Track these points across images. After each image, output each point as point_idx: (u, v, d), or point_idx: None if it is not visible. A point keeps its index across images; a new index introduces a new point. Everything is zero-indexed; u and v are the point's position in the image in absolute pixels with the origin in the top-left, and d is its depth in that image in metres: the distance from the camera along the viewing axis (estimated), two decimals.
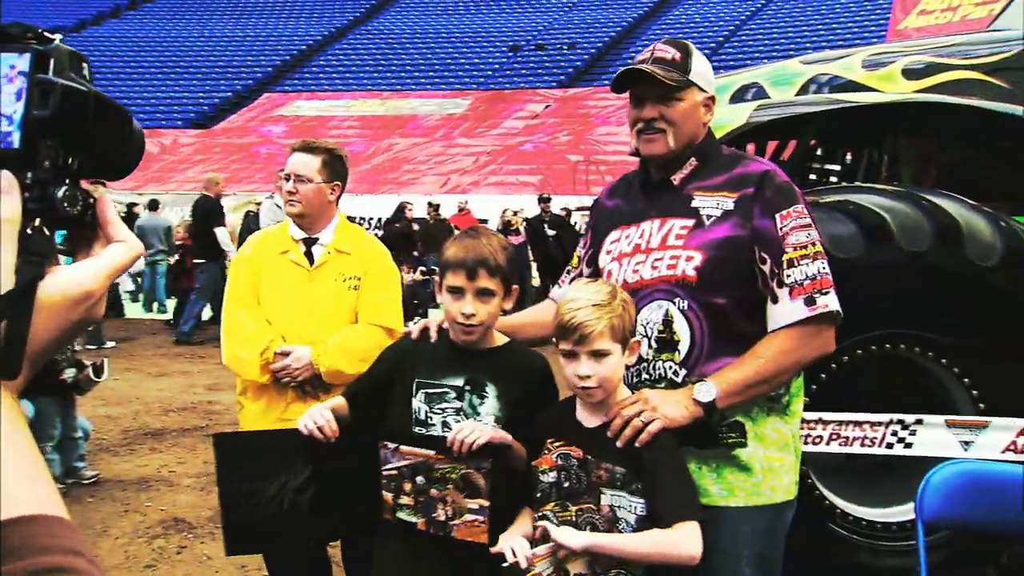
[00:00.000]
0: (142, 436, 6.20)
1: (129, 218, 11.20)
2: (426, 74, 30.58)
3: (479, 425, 2.08)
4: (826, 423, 3.16)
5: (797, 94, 4.47)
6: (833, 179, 4.68)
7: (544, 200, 12.64)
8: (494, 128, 25.81)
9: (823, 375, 3.16)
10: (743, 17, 31.42)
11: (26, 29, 0.70)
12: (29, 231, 0.66)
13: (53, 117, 0.66)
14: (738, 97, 4.56)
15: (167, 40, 34.57)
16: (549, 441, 2.06)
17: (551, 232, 11.96)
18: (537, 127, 25.39)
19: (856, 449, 3.16)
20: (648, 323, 2.11)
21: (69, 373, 4.86)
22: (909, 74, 4.19)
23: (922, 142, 4.57)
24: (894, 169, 4.48)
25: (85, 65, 0.71)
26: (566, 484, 2.01)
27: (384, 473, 2.12)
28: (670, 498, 1.91)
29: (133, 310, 12.55)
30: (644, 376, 2.12)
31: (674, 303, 2.07)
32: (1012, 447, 3.06)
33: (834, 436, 3.17)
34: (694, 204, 2.12)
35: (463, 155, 23.77)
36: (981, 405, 3.14)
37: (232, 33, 35.27)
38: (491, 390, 2.16)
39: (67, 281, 0.68)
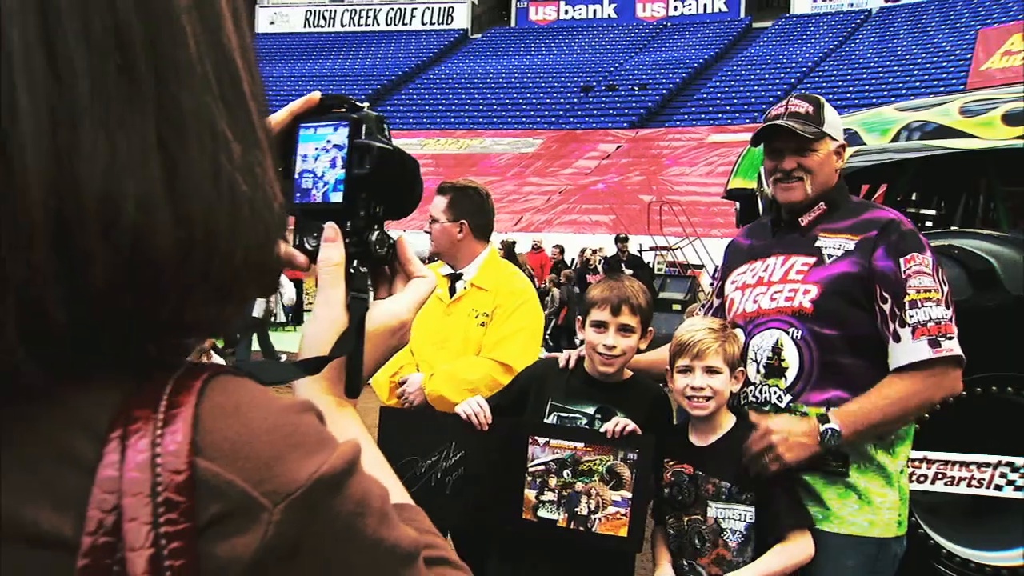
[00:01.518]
0: None
1: None
2: (499, 114, 31.15)
3: (628, 420, 2.28)
4: (931, 462, 3.21)
5: (892, 140, 4.54)
6: (929, 224, 4.72)
7: (621, 240, 12.77)
8: (566, 168, 26.12)
9: (928, 415, 3.22)
10: (816, 59, 31.32)
11: (341, 100, 0.83)
12: (352, 271, 0.79)
13: (371, 174, 0.79)
14: None
15: None
16: (666, 461, 2.27)
17: (628, 271, 12.06)
18: (609, 167, 25.62)
19: (962, 489, 3.20)
20: (759, 349, 2.25)
21: None
22: (1010, 120, 4.23)
23: (1019, 188, 4.59)
24: (991, 215, 4.51)
25: (385, 126, 0.81)
26: (679, 498, 2.22)
27: (530, 469, 2.28)
28: (785, 511, 2.12)
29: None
30: (751, 399, 2.27)
31: (788, 332, 2.20)
32: None
33: (939, 475, 3.21)
34: (817, 244, 2.25)
35: (535, 194, 24.09)
36: None
37: (309, 74, 36.51)
38: (619, 418, 2.33)
39: (386, 314, 0.80)
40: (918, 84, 25.45)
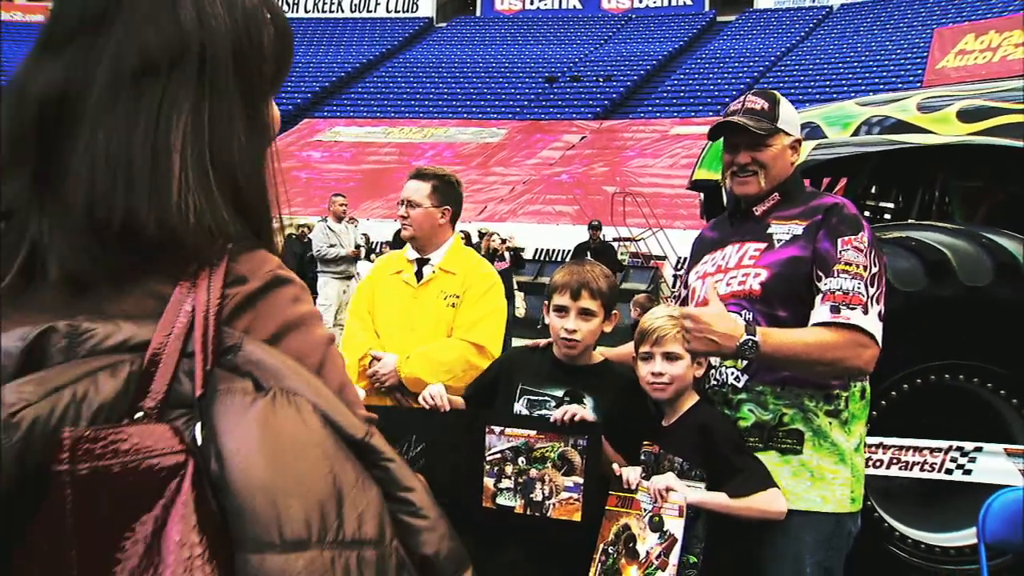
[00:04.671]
0: None
1: None
2: (463, 103, 31.05)
3: (577, 406, 2.35)
4: (887, 447, 3.31)
5: (852, 134, 4.64)
6: (887, 216, 4.83)
7: (594, 227, 12.70)
8: (530, 158, 26.13)
9: (884, 402, 3.31)
10: (778, 53, 31.66)
11: None
12: None
13: None
14: None
15: None
16: (644, 443, 2.38)
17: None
18: (573, 157, 25.69)
19: (916, 474, 3.31)
20: None
21: None
22: (964, 117, 4.34)
23: (972, 182, 4.72)
24: (946, 208, 4.64)
25: None
26: (643, 475, 2.30)
27: (488, 458, 2.34)
28: (747, 476, 2.20)
29: None
30: (712, 381, 2.37)
31: (741, 315, 2.29)
32: None
33: (894, 460, 3.31)
34: (769, 231, 2.36)
35: (500, 184, 24.09)
36: None
37: None
38: (588, 401, 2.42)
39: None
40: (877, 80, 25.85)
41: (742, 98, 2.44)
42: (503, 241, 13.29)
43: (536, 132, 27.95)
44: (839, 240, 2.25)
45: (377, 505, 0.78)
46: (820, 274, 2.24)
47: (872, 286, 2.23)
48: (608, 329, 2.46)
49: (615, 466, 2.28)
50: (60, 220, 0.81)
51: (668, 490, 2.15)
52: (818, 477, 2.25)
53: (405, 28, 39.48)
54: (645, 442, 2.36)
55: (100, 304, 0.81)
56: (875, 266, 2.26)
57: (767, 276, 2.28)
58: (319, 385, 0.82)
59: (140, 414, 0.75)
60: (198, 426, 0.75)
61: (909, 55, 27.83)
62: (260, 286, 0.85)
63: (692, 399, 2.33)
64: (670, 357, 2.27)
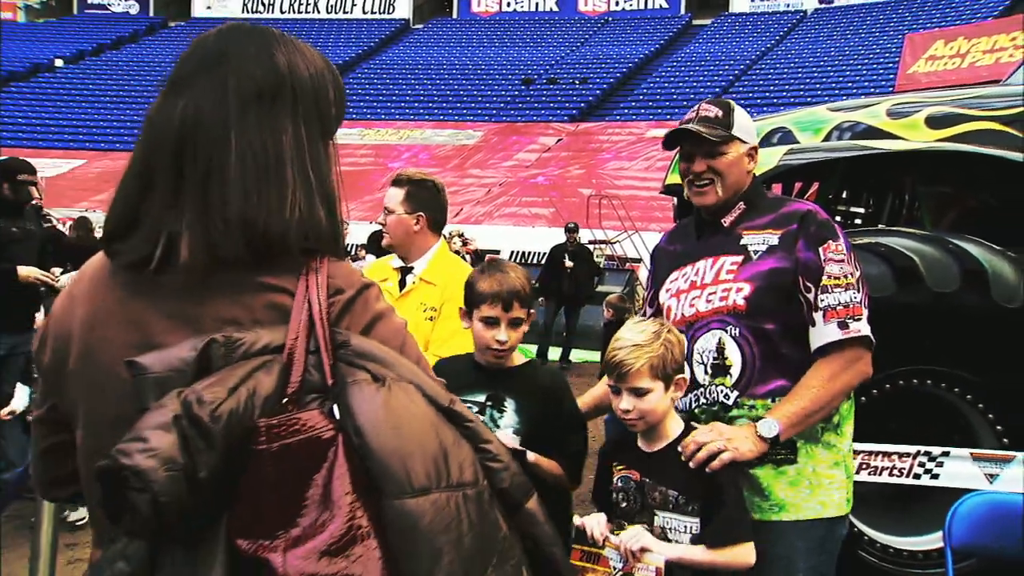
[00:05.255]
0: None
1: None
2: (440, 105, 30.99)
3: (499, 432, 2.27)
4: (856, 452, 3.32)
5: (824, 140, 4.67)
6: (857, 221, 4.87)
7: (571, 230, 12.57)
8: (506, 160, 26.12)
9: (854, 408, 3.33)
10: (753, 57, 31.89)
11: None
12: None
13: None
14: (766, 141, 4.75)
15: None
16: (614, 465, 2.25)
17: (569, 264, 11.96)
18: (549, 160, 25.71)
19: (885, 479, 3.33)
20: (704, 351, 2.30)
21: None
22: (932, 123, 4.39)
23: (940, 188, 4.77)
24: (915, 214, 4.68)
25: None
26: (623, 504, 2.19)
27: None
28: (729, 522, 2.08)
29: None
30: (702, 401, 2.30)
31: (727, 331, 2.27)
32: None
33: (864, 465, 3.33)
34: (742, 242, 2.33)
35: (476, 186, 24.05)
36: (1005, 440, 3.31)
37: None
38: (510, 404, 2.34)
39: None
40: (850, 85, 26.12)
41: (697, 107, 2.41)
42: (465, 243, 13.10)
43: (512, 134, 27.95)
44: (820, 249, 2.25)
45: (470, 456, 1.05)
46: (809, 284, 2.23)
47: (859, 292, 2.25)
48: (526, 328, 2.40)
49: (576, 519, 2.14)
50: (202, 218, 1.06)
51: (643, 551, 2.02)
52: (816, 484, 2.23)
53: (381, 29, 39.38)
54: (619, 466, 2.23)
55: (233, 314, 1.08)
56: (857, 270, 2.28)
57: (750, 291, 2.25)
58: (415, 368, 1.09)
59: (286, 400, 1.00)
60: (334, 407, 1.01)
61: (881, 60, 28.13)
62: (354, 293, 1.13)
63: (677, 425, 2.19)
64: (638, 392, 2.11)
